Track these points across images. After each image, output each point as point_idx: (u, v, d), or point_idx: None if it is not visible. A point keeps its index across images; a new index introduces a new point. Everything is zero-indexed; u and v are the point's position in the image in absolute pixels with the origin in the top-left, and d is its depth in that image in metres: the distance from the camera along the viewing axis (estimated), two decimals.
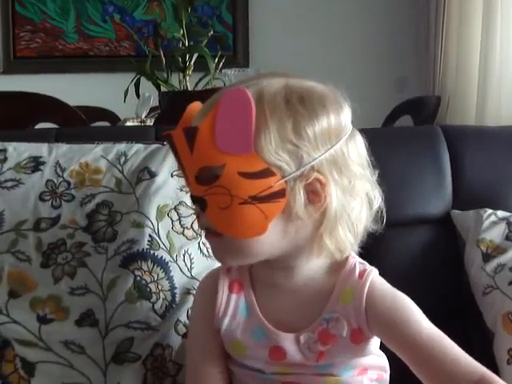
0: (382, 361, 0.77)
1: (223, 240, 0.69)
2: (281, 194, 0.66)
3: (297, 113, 0.66)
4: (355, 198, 0.70)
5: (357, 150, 0.70)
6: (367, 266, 0.74)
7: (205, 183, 0.67)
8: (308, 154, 0.66)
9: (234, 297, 0.75)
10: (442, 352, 0.69)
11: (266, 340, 0.72)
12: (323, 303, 0.72)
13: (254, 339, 0.73)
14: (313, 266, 0.73)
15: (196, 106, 0.72)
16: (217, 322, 0.75)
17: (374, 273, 0.73)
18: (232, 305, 0.74)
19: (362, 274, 0.72)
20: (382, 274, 0.79)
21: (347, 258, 0.73)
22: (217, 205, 0.67)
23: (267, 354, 0.72)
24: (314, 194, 0.67)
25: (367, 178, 0.71)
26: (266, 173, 0.65)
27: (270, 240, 0.68)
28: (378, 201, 0.72)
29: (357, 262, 0.74)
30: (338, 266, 0.73)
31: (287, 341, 0.72)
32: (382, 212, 0.73)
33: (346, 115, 0.70)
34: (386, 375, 0.77)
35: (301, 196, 0.66)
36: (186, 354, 0.80)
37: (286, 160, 0.65)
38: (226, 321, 0.74)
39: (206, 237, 0.72)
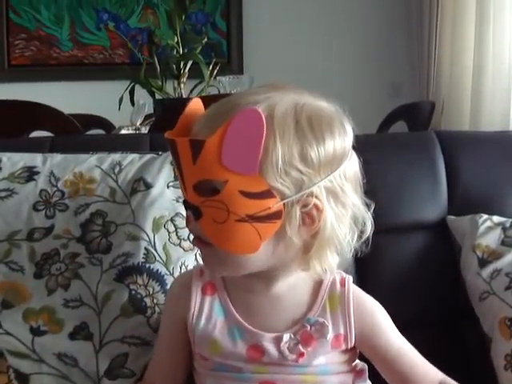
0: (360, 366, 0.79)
1: (213, 250, 0.69)
2: (278, 215, 0.66)
3: (305, 138, 0.66)
4: (346, 223, 0.71)
5: (353, 170, 0.71)
6: (342, 273, 0.77)
7: (203, 194, 0.67)
8: (309, 179, 0.66)
9: (207, 299, 0.76)
10: (408, 363, 0.75)
11: (244, 338, 0.73)
12: (306, 308, 0.74)
13: (231, 338, 0.73)
14: (294, 277, 0.74)
15: (197, 103, 0.71)
16: (191, 324, 0.75)
17: (351, 279, 0.77)
18: (206, 307, 0.75)
19: (343, 281, 0.76)
20: (377, 279, 0.80)
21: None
22: (212, 217, 0.67)
23: (245, 352, 0.73)
24: (309, 217, 0.68)
25: (359, 203, 0.72)
26: (267, 194, 0.66)
27: (259, 257, 0.69)
28: (367, 225, 0.73)
29: (334, 272, 0.76)
30: (317, 278, 0.75)
31: (266, 340, 0.73)
32: (366, 237, 0.74)
33: (349, 139, 0.70)
34: (365, 375, 0.79)
35: (296, 219, 0.67)
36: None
37: (287, 184, 0.66)
38: (202, 322, 0.75)
39: (196, 244, 0.73)
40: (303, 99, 0.69)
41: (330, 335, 0.73)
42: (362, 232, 0.73)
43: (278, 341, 0.72)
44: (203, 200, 0.67)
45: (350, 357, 0.77)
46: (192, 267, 0.90)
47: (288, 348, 0.72)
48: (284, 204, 0.66)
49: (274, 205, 0.66)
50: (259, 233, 0.66)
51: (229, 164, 0.64)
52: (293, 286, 0.75)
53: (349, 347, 0.75)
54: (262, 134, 0.64)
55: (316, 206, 0.67)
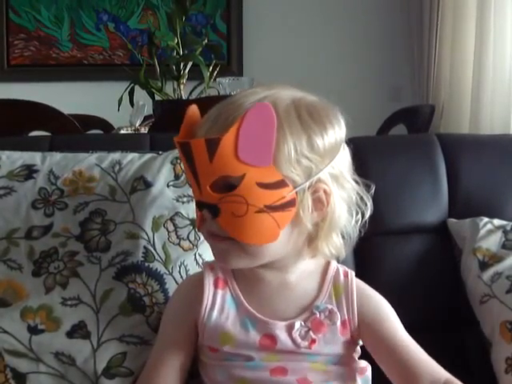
0: (363, 362, 0.81)
1: (232, 244, 0.72)
2: (292, 203, 0.71)
3: (310, 128, 0.71)
4: (347, 205, 0.76)
5: (348, 156, 0.77)
6: (345, 267, 0.82)
7: (220, 191, 0.70)
8: (316, 166, 0.72)
9: (219, 292, 0.78)
10: (413, 357, 0.76)
11: (257, 329, 0.76)
12: (313, 296, 0.78)
13: (244, 329, 0.76)
14: (301, 267, 0.78)
15: (193, 109, 0.75)
16: (203, 317, 0.77)
17: (353, 273, 0.81)
18: (218, 299, 0.77)
19: (346, 273, 0.81)
20: (378, 281, 0.81)
21: (329, 262, 0.81)
22: (231, 212, 0.70)
23: (258, 341, 0.75)
24: (319, 202, 0.73)
25: (357, 187, 0.77)
26: (281, 184, 0.70)
27: (277, 245, 0.73)
28: (366, 208, 0.77)
29: (338, 265, 0.81)
30: (323, 269, 0.80)
31: (278, 328, 0.76)
32: (366, 219, 0.78)
33: (343, 127, 0.76)
34: (369, 371, 0.81)
35: (309, 205, 0.72)
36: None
37: (298, 172, 0.71)
38: (214, 314, 0.77)
39: (212, 240, 0.75)
40: (297, 94, 0.74)
41: (339, 320, 0.76)
42: (362, 214, 0.77)
43: (289, 329, 0.75)
44: (221, 197, 0.70)
45: (355, 350, 0.79)
46: (190, 267, 0.90)
47: (300, 335, 0.75)
48: (296, 192, 0.71)
49: (288, 193, 0.71)
50: (277, 222, 0.71)
51: (245, 158, 0.69)
52: (301, 275, 0.78)
53: (352, 330, 0.77)
54: (273, 127, 0.69)
55: (324, 191, 0.72)
